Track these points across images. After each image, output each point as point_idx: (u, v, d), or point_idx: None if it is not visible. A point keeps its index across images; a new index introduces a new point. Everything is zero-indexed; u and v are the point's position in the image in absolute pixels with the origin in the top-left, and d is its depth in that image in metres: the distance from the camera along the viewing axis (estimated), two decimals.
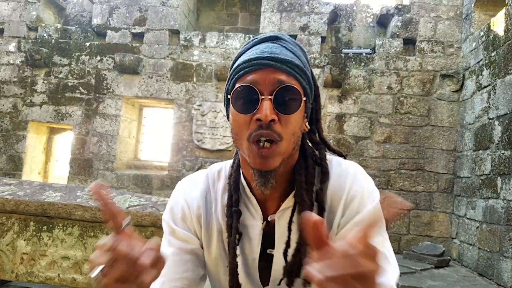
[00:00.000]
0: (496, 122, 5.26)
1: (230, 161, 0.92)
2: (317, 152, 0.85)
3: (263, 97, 0.72)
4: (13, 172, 7.37)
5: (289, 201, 0.81)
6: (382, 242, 0.75)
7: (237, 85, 0.75)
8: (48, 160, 8.04)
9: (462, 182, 6.23)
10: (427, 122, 6.74)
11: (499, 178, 5.06)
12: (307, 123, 0.82)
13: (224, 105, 0.84)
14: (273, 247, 0.82)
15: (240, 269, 0.82)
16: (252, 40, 0.80)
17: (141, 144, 8.08)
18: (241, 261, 0.83)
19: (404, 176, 6.66)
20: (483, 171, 5.51)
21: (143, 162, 7.78)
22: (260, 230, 0.82)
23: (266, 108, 0.71)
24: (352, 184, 0.79)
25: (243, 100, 0.74)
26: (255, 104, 0.72)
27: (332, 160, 0.85)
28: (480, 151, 5.67)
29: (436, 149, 6.67)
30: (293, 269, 0.78)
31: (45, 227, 3.01)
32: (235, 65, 0.78)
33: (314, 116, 0.86)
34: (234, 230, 0.80)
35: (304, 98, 0.76)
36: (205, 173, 0.93)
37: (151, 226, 2.92)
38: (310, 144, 0.86)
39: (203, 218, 0.86)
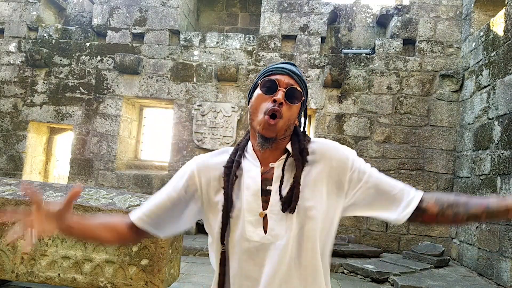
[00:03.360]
0: (496, 122, 5.26)
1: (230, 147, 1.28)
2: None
3: (279, 88, 1.13)
4: (14, 172, 7.38)
5: (283, 157, 1.17)
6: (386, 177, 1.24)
7: (266, 78, 1.16)
8: (48, 160, 8.05)
9: (461, 182, 6.24)
10: (427, 122, 6.75)
11: (498, 178, 5.07)
12: (297, 121, 1.20)
13: (249, 93, 1.24)
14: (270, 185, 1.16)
15: (245, 200, 1.13)
16: (279, 62, 1.25)
17: (141, 144, 8.09)
18: (246, 194, 1.14)
19: (403, 176, 6.67)
20: (483, 171, 5.51)
21: (143, 162, 7.79)
22: (259, 172, 1.15)
23: (281, 94, 1.12)
24: (330, 147, 1.20)
25: (268, 87, 1.15)
26: (274, 91, 1.13)
27: (317, 139, 1.26)
28: (480, 151, 5.68)
29: (435, 149, 6.68)
30: (287, 199, 1.11)
31: None
32: (267, 69, 1.20)
33: (302, 123, 1.26)
34: (235, 168, 1.16)
35: (303, 98, 1.18)
36: (220, 149, 1.29)
37: None
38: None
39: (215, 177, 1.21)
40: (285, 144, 1.17)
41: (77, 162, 7.30)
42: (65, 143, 8.71)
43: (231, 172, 1.16)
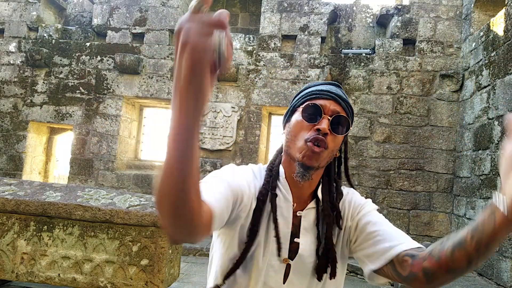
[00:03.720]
0: (496, 122, 5.26)
1: (262, 164, 1.15)
2: (337, 179, 1.13)
3: (324, 116, 1.00)
4: (14, 172, 7.38)
5: (313, 204, 1.06)
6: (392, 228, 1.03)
7: (309, 102, 1.02)
8: (48, 160, 8.05)
9: (461, 182, 6.24)
10: (427, 122, 6.75)
11: (498, 178, 5.07)
12: (338, 150, 1.07)
13: (285, 117, 1.11)
14: (297, 236, 1.04)
15: (269, 242, 1.01)
16: (320, 82, 1.10)
17: (141, 144, 8.09)
18: (269, 237, 1.01)
19: (403, 176, 6.67)
20: (483, 171, 5.51)
21: (144, 162, 7.79)
22: (291, 211, 1.03)
23: (325, 123, 0.99)
24: (355, 197, 1.11)
25: (310, 112, 1.01)
26: (318, 119, 1.00)
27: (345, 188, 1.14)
28: (480, 151, 5.68)
29: (435, 149, 6.68)
30: (322, 264, 1.02)
31: (46, 227, 3.01)
32: (307, 90, 1.06)
33: (344, 156, 1.13)
34: (273, 198, 1.03)
35: (351, 128, 1.05)
36: (249, 166, 1.13)
37: (151, 226, 2.93)
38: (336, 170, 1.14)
39: (254, 195, 1.04)
40: (316, 181, 1.07)
41: (77, 162, 7.31)
42: (65, 143, 8.71)
43: (264, 206, 1.02)
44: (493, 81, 5.48)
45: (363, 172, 6.69)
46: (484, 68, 5.80)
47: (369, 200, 1.10)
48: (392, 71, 6.89)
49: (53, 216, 3.00)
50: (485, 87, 5.73)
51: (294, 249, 1.02)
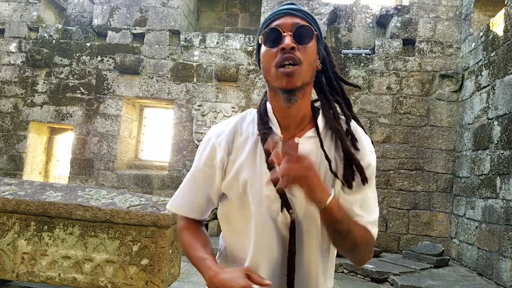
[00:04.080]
0: (495, 122, 5.27)
1: (250, 110, 1.17)
2: (332, 95, 1.11)
3: (284, 33, 0.96)
4: (14, 172, 7.39)
5: (313, 132, 1.04)
6: (373, 199, 1.05)
7: (267, 29, 0.99)
8: (49, 160, 8.06)
9: (461, 182, 6.25)
10: (427, 122, 6.76)
11: (498, 178, 5.08)
12: (319, 63, 1.04)
13: (256, 54, 1.08)
14: None
15: (261, 173, 1.03)
16: (276, 8, 1.06)
17: (142, 144, 8.10)
18: (261, 170, 1.03)
19: (403, 176, 6.68)
20: (482, 171, 5.52)
21: (144, 162, 7.81)
22: (279, 142, 1.02)
23: (288, 39, 0.95)
24: (366, 143, 1.06)
25: (271, 38, 0.98)
26: (280, 40, 0.96)
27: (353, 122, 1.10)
28: (479, 151, 5.69)
29: (435, 149, 6.68)
30: (349, 177, 1.01)
31: (46, 226, 3.02)
32: (265, 19, 1.04)
33: (329, 65, 1.08)
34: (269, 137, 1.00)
35: (316, 33, 1.00)
36: (237, 116, 1.17)
37: (151, 226, 2.94)
38: (327, 85, 1.11)
39: (231, 142, 1.09)
40: (306, 104, 1.04)
41: (78, 162, 7.32)
42: (65, 143, 8.72)
43: (257, 146, 1.06)
44: (492, 81, 5.49)
45: None
46: (484, 68, 5.81)
47: (373, 161, 1.06)
48: (392, 71, 6.90)
49: (53, 216, 3.01)
50: (484, 87, 5.74)
51: None
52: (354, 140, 1.03)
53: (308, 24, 0.99)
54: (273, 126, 1.05)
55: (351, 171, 1.01)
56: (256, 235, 1.03)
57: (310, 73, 1.00)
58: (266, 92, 1.12)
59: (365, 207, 1.02)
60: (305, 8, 1.10)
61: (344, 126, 1.06)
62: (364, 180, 1.01)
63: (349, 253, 1.02)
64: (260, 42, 1.03)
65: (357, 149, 1.03)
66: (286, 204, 1.01)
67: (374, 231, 1.02)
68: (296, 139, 1.03)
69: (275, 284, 1.01)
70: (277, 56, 0.96)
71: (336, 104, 1.10)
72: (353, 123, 1.08)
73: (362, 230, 0.99)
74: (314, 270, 1.04)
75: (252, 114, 1.13)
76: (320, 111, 1.07)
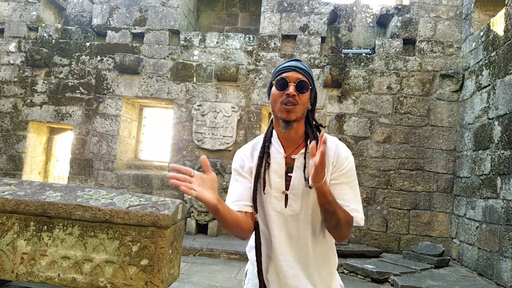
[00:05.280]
0: (496, 122, 5.26)
1: (261, 135, 1.60)
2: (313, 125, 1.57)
3: (290, 84, 1.43)
4: (13, 172, 7.38)
5: (302, 150, 1.48)
6: (353, 194, 1.44)
7: (278, 77, 1.45)
8: (48, 160, 8.05)
9: (461, 182, 6.24)
10: (427, 122, 6.75)
11: (498, 178, 5.07)
12: (309, 105, 1.50)
13: (268, 91, 1.54)
14: (291, 172, 1.49)
15: (273, 181, 1.48)
16: (286, 60, 1.54)
17: (141, 144, 8.09)
18: (271, 179, 1.48)
19: (403, 176, 6.67)
20: (483, 171, 5.51)
21: (143, 162, 7.79)
22: (283, 159, 1.48)
23: (292, 88, 1.42)
24: (340, 148, 1.49)
25: (280, 84, 1.44)
26: (286, 87, 1.43)
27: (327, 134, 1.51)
28: (480, 151, 5.68)
29: (435, 149, 6.68)
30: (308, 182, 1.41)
31: (45, 227, 3.01)
32: (277, 69, 1.50)
33: (312, 107, 1.55)
34: (266, 157, 1.49)
35: (310, 87, 1.46)
36: (257, 137, 1.61)
37: (151, 226, 2.93)
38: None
39: (252, 158, 1.55)
40: (301, 130, 1.50)
41: (77, 162, 7.31)
42: (65, 143, 8.71)
43: (263, 162, 1.49)
44: (493, 81, 5.48)
45: (363, 172, 6.69)
46: (484, 68, 5.80)
47: (351, 162, 1.47)
48: (392, 71, 6.89)
49: (53, 216, 3.00)
50: (485, 87, 5.73)
51: (289, 183, 1.46)
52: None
53: (306, 80, 1.45)
54: (278, 146, 1.51)
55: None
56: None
57: (302, 111, 1.45)
58: (272, 121, 1.56)
59: (343, 198, 1.42)
60: (306, 66, 1.49)
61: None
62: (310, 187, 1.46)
63: (333, 230, 1.39)
64: (273, 84, 1.48)
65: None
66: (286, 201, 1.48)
67: (355, 215, 1.40)
68: (293, 156, 1.48)
69: (291, 252, 1.47)
70: (283, 96, 1.43)
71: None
72: (328, 138, 1.43)
73: (344, 212, 1.37)
74: (310, 245, 1.47)
75: (261, 138, 1.58)
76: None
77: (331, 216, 1.34)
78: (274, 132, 1.53)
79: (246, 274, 1.61)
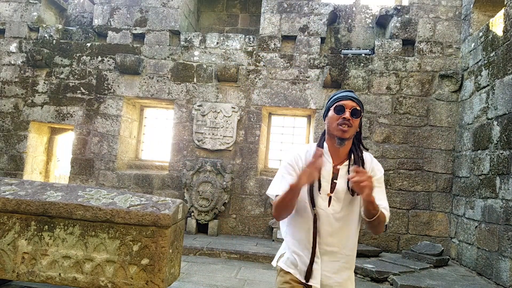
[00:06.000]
0: (495, 122, 5.28)
1: (313, 143, 1.99)
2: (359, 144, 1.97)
3: (347, 110, 1.79)
4: (15, 172, 7.41)
5: (346, 162, 1.86)
6: (383, 195, 1.86)
7: (336, 103, 1.82)
8: (49, 160, 8.07)
9: (461, 182, 6.26)
10: (426, 122, 6.77)
11: (497, 178, 5.09)
12: (358, 128, 1.87)
13: (324, 113, 1.93)
14: (336, 179, 1.85)
15: (322, 184, 1.82)
16: (341, 91, 1.92)
17: (142, 144, 8.11)
18: (322, 181, 1.81)
19: (403, 176, 6.69)
20: (482, 171, 5.53)
21: (144, 162, 7.82)
22: (331, 168, 1.84)
23: (348, 114, 1.78)
24: (374, 160, 1.93)
25: (338, 109, 1.81)
26: (342, 112, 1.79)
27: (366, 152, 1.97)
28: (479, 151, 5.70)
29: (435, 149, 6.69)
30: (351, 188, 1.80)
31: (46, 226, 3.03)
32: (335, 97, 1.87)
33: (360, 129, 1.93)
34: (319, 166, 1.73)
35: (362, 114, 1.84)
36: (305, 146, 1.98)
37: (152, 226, 2.95)
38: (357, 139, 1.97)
39: (304, 160, 1.88)
40: (349, 146, 1.86)
41: (78, 162, 7.33)
42: (66, 143, 8.74)
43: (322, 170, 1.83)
44: (492, 81, 5.49)
45: None
46: (483, 69, 5.82)
47: (382, 172, 1.91)
48: (392, 72, 6.91)
49: (54, 216, 3.02)
50: (484, 87, 5.75)
51: (333, 187, 1.82)
52: (363, 163, 1.87)
53: (359, 108, 1.81)
54: (327, 156, 1.86)
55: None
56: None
57: (353, 132, 1.83)
58: (323, 134, 1.93)
59: (377, 198, 1.76)
60: (357, 96, 1.86)
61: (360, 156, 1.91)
62: (353, 194, 1.88)
63: (374, 228, 1.78)
64: (329, 108, 1.86)
65: (363, 167, 1.86)
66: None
67: (387, 214, 1.79)
68: (338, 167, 1.85)
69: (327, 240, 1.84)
70: (339, 119, 1.79)
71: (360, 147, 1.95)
72: (365, 154, 1.91)
73: (382, 213, 1.74)
74: (344, 240, 1.86)
75: (313, 146, 1.94)
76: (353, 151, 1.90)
77: (375, 218, 1.72)
78: (325, 144, 1.89)
79: (282, 255, 1.95)
